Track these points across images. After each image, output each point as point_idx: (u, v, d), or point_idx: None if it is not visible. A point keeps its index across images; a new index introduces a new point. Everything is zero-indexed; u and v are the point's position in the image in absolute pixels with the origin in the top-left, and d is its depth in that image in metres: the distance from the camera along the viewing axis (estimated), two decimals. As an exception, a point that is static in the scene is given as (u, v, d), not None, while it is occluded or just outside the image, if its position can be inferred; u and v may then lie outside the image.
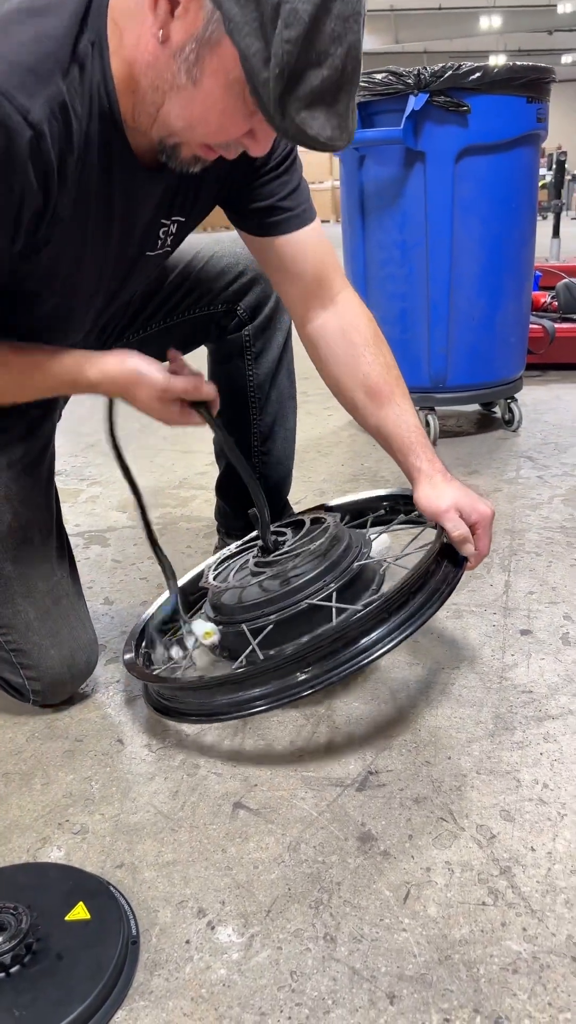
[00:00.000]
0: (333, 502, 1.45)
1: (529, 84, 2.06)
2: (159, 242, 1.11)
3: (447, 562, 1.11)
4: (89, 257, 1.01)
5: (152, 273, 1.23)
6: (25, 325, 1.05)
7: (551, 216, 6.63)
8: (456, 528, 1.10)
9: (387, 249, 2.24)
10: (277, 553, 1.21)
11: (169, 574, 1.30)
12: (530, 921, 0.82)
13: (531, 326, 2.99)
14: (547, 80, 2.11)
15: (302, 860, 0.91)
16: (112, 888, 0.87)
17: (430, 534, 1.19)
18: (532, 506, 1.88)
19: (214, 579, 1.23)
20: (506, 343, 2.33)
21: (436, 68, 2.00)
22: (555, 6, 19.59)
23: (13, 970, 0.76)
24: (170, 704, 1.12)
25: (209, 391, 1.09)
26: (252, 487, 1.21)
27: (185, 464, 2.34)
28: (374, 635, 1.00)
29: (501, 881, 0.87)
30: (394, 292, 2.27)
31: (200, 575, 1.39)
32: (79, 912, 0.83)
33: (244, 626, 1.10)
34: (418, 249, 2.19)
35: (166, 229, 1.10)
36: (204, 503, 2.03)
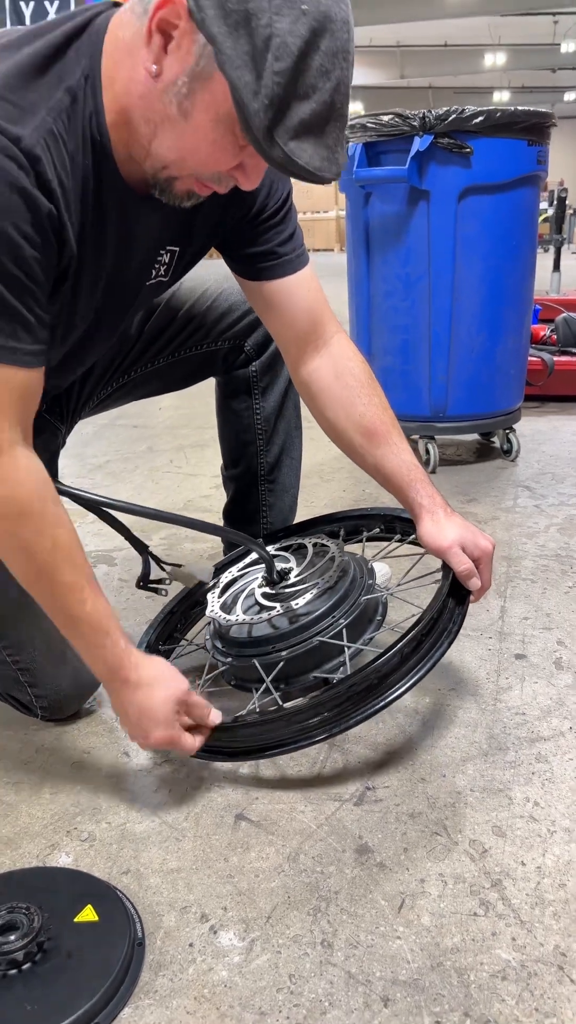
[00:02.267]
0: (332, 514, 1.49)
1: (530, 128, 2.14)
2: (153, 271, 1.12)
3: (452, 599, 1.15)
4: (89, 286, 1.02)
5: (150, 303, 1.24)
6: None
7: (552, 249, 6.74)
8: (461, 564, 1.14)
9: (391, 282, 2.31)
10: (283, 584, 1.25)
11: (140, 546, 1.30)
12: (519, 931, 0.86)
13: (530, 359, 3.06)
14: (547, 124, 2.19)
15: (301, 870, 0.95)
16: (119, 892, 0.91)
17: (428, 562, 1.24)
18: (528, 534, 1.93)
19: (220, 608, 1.27)
20: (505, 375, 2.39)
21: (440, 111, 2.08)
22: (559, 45, 19.98)
23: (25, 967, 0.80)
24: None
25: (215, 718, 1.08)
26: (258, 549, 1.26)
27: (190, 487, 2.39)
28: (392, 678, 1.05)
29: (492, 893, 0.91)
30: (397, 324, 2.34)
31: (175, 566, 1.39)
32: (88, 914, 0.86)
33: (256, 660, 1.14)
34: (421, 283, 2.26)
35: (161, 259, 1.12)
36: (208, 525, 2.07)
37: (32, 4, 10.54)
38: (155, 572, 1.38)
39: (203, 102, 0.86)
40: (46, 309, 0.93)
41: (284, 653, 1.14)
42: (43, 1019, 0.76)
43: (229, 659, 1.19)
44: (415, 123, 2.09)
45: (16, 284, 0.87)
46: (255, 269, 1.18)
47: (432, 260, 2.23)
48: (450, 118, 2.07)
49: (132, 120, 0.91)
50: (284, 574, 1.28)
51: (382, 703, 1.04)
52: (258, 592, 1.26)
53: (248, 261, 1.18)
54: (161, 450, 2.80)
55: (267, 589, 1.26)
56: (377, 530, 1.41)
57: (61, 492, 1.09)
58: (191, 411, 3.25)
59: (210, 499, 2.25)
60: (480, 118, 2.07)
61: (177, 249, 1.13)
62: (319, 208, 16.36)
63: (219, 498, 2.15)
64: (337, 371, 1.22)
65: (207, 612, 1.28)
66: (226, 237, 1.17)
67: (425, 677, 1.06)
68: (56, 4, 10.50)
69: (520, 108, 2.13)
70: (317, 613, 1.16)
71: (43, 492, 0.96)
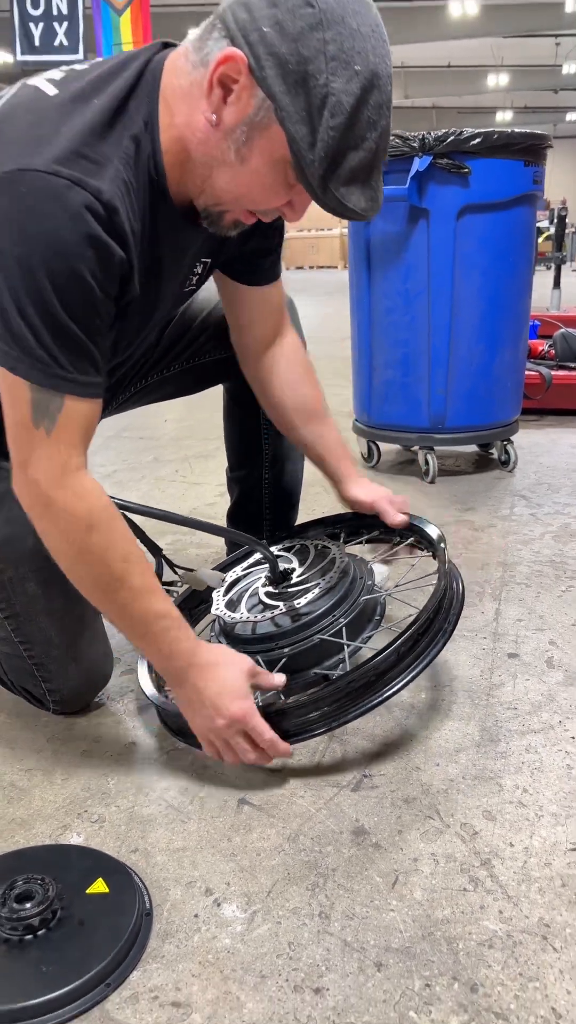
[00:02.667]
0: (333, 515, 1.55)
1: (526, 149, 2.22)
2: (190, 280, 1.23)
3: (447, 599, 1.21)
4: (144, 312, 1.13)
5: (177, 311, 1.36)
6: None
7: (553, 267, 6.84)
8: (394, 514, 1.38)
9: (391, 298, 2.38)
10: (285, 584, 1.31)
11: (153, 548, 1.37)
12: (506, 905, 0.91)
13: (529, 373, 3.13)
14: (543, 146, 2.26)
15: (300, 849, 1.00)
16: (128, 868, 0.96)
17: (424, 566, 1.30)
18: (524, 541, 1.98)
19: (225, 606, 1.32)
20: (503, 388, 2.45)
21: (439, 133, 2.16)
22: (560, 66, 20.23)
23: (40, 932, 0.85)
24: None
25: (280, 680, 1.13)
26: (262, 550, 1.33)
27: (195, 495, 2.45)
28: (389, 675, 1.11)
29: (481, 871, 0.96)
30: (397, 338, 2.41)
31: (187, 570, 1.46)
32: (99, 886, 0.92)
33: (259, 657, 1.20)
34: (420, 299, 2.33)
35: (195, 270, 1.23)
36: (213, 532, 2.13)
37: (41, 25, 10.75)
38: (167, 574, 1.45)
39: (260, 148, 0.95)
40: (106, 341, 1.02)
41: (286, 650, 1.19)
42: (57, 980, 0.81)
43: None
44: (415, 144, 2.17)
45: (87, 324, 0.96)
46: (248, 274, 1.32)
47: (431, 276, 2.30)
48: (448, 139, 2.15)
49: (190, 160, 1.01)
50: (287, 574, 1.33)
51: (379, 699, 1.10)
52: (262, 591, 1.31)
53: (244, 267, 1.31)
54: (167, 460, 2.86)
55: (270, 588, 1.31)
56: (377, 532, 1.47)
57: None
58: (195, 423, 3.32)
59: (214, 506, 2.31)
60: (478, 139, 2.15)
61: (209, 260, 1.23)
62: (323, 226, 16.56)
63: (223, 505, 2.21)
64: (287, 360, 1.40)
65: (212, 609, 1.33)
66: (234, 249, 1.26)
67: (420, 674, 1.12)
68: (65, 26, 10.70)
69: (516, 130, 2.20)
70: (318, 612, 1.21)
71: (110, 509, 1.04)
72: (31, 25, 10.71)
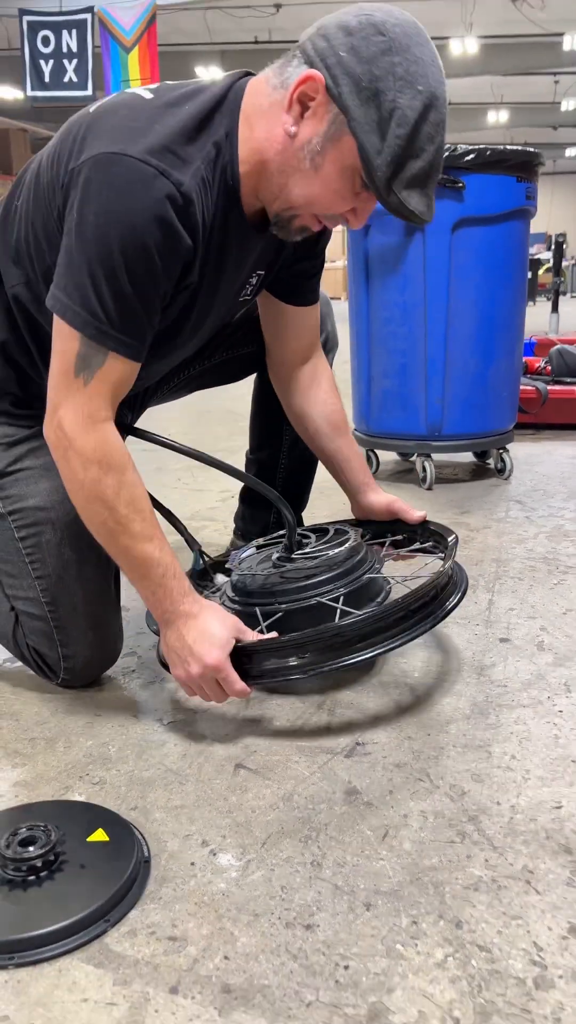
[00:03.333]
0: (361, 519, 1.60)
1: (518, 166, 2.30)
2: (246, 290, 1.34)
3: (445, 587, 1.27)
4: (202, 308, 1.23)
5: (233, 317, 1.47)
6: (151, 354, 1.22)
7: (551, 293, 6.96)
8: (411, 510, 1.49)
9: (389, 309, 2.45)
10: (299, 552, 1.36)
11: (191, 541, 1.46)
12: (492, 855, 0.94)
13: (526, 388, 3.20)
14: (535, 163, 2.35)
15: (295, 807, 1.04)
16: (128, 821, 0.99)
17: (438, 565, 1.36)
18: (518, 540, 2.03)
19: (239, 564, 1.38)
20: (498, 396, 2.51)
21: (435, 150, 2.24)
22: (559, 103, 20.61)
23: (43, 874, 0.88)
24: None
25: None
26: (283, 507, 1.38)
27: (197, 500, 2.50)
28: (377, 638, 1.15)
29: (469, 826, 0.99)
30: (395, 348, 2.47)
31: (219, 562, 1.55)
32: (99, 835, 0.95)
33: (257, 609, 1.24)
34: (417, 310, 2.40)
35: (253, 280, 1.33)
36: (215, 532, 2.18)
37: (52, 62, 11.04)
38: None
39: (332, 158, 1.08)
40: (157, 318, 1.13)
41: (283, 606, 1.24)
42: (58, 915, 0.84)
43: (236, 606, 1.30)
44: (411, 160, 2.25)
45: (144, 295, 1.08)
46: (292, 294, 1.44)
47: (428, 288, 2.37)
48: (443, 155, 2.22)
49: (267, 170, 1.13)
50: (302, 543, 1.39)
51: (353, 659, 1.12)
52: (275, 555, 1.37)
53: (290, 287, 1.42)
54: (170, 470, 2.92)
55: (283, 554, 1.37)
56: (402, 536, 1.52)
57: (138, 434, 1.36)
58: (198, 436, 3.38)
59: (216, 510, 2.36)
60: (471, 156, 2.23)
61: (264, 272, 1.34)
62: (330, 258, 16.86)
63: (224, 510, 2.28)
64: (316, 377, 1.54)
65: (227, 565, 1.40)
66: (284, 267, 1.38)
67: (401, 647, 1.15)
68: (75, 63, 10.98)
69: (509, 147, 2.29)
70: (320, 578, 1.26)
71: (127, 457, 1.14)
72: (41, 62, 11.00)
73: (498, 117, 22.28)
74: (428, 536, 1.47)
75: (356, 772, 1.10)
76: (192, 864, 0.94)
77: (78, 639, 1.29)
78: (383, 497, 1.52)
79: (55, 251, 1.12)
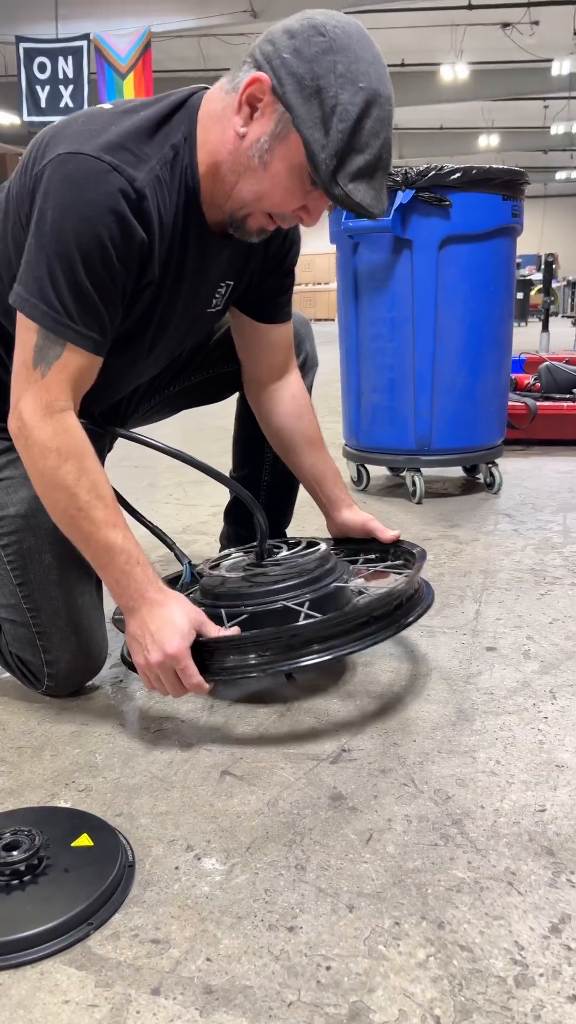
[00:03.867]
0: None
1: (504, 184, 2.34)
2: (214, 301, 1.35)
3: (408, 598, 1.28)
4: (165, 312, 1.24)
5: (205, 330, 1.49)
6: (116, 359, 1.23)
7: (542, 311, 7.02)
8: (386, 530, 1.49)
9: (377, 325, 2.48)
10: (269, 560, 1.37)
11: (180, 554, 1.46)
12: (474, 857, 0.95)
13: (515, 404, 3.23)
14: (520, 182, 2.39)
15: (279, 812, 1.04)
16: (112, 827, 1.00)
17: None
18: (506, 552, 2.04)
19: (210, 569, 1.39)
20: (486, 411, 2.54)
21: (422, 168, 2.28)
22: (549, 127, 20.90)
23: (27, 878, 0.89)
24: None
25: (234, 630, 1.19)
26: (256, 511, 1.38)
27: (188, 514, 2.51)
28: (337, 641, 1.16)
29: (452, 829, 1.00)
30: (383, 363, 2.50)
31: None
32: (84, 840, 0.95)
33: (223, 611, 1.25)
34: (405, 326, 2.43)
35: (221, 290, 1.35)
36: (205, 545, 2.19)
37: (48, 88, 11.17)
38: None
39: (280, 155, 1.11)
40: (117, 313, 1.15)
41: (249, 609, 1.25)
42: (42, 918, 0.84)
43: (203, 607, 1.29)
44: (398, 179, 2.29)
45: (101, 287, 1.10)
46: (264, 312, 1.45)
47: (415, 304, 2.40)
48: (430, 174, 2.27)
49: (220, 171, 1.16)
50: (272, 552, 1.40)
51: (310, 660, 1.13)
52: (245, 562, 1.38)
53: (261, 304, 1.45)
54: (161, 486, 2.93)
55: (254, 560, 1.38)
56: (374, 556, 1.53)
57: (124, 436, 1.41)
58: (191, 452, 3.39)
59: (207, 524, 2.37)
60: (457, 174, 2.27)
61: (232, 283, 1.36)
62: (320, 280, 16.98)
63: (215, 524, 2.28)
64: (291, 393, 1.53)
65: (197, 567, 1.41)
66: (260, 279, 1.41)
67: (358, 652, 1.19)
68: (71, 89, 11.12)
69: (495, 166, 2.33)
70: (287, 584, 1.27)
71: (87, 445, 1.14)
72: (38, 88, 11.14)
73: (489, 141, 22.57)
74: (400, 555, 1.49)
75: (341, 778, 1.11)
76: (176, 868, 0.95)
77: (61, 645, 1.29)
78: (359, 516, 1.52)
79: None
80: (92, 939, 0.84)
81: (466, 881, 0.91)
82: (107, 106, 1.18)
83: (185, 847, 0.98)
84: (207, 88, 1.20)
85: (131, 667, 1.26)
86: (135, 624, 1.16)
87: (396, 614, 1.23)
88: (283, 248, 1.41)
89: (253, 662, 1.14)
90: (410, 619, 1.23)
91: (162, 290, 1.20)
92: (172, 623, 1.13)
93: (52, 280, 1.08)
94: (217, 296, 1.35)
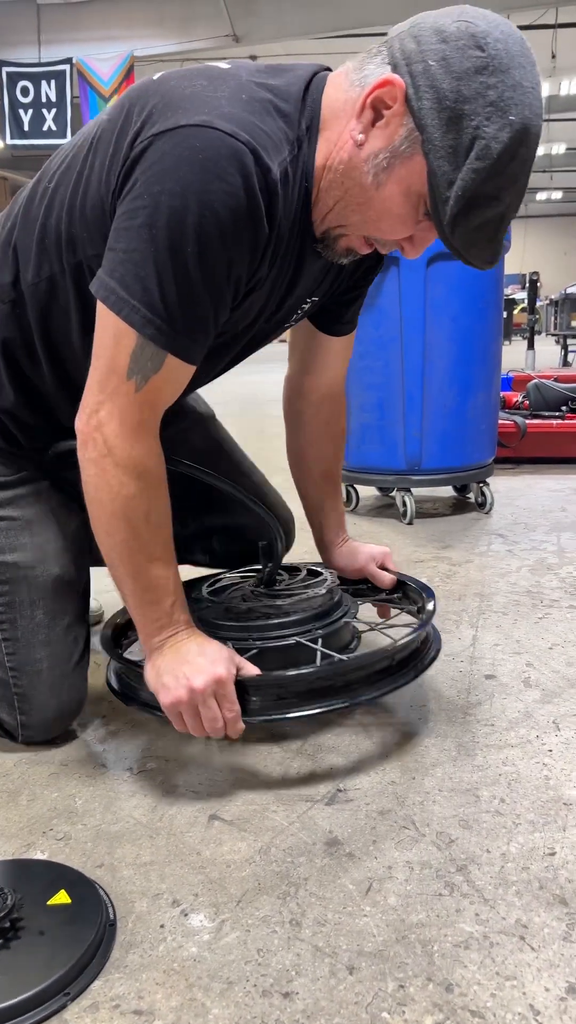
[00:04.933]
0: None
1: (491, 201, 2.30)
2: (295, 316, 1.22)
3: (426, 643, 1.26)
4: (257, 308, 1.10)
5: (265, 344, 1.35)
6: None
7: (527, 330, 7.04)
8: (383, 577, 1.44)
9: (365, 344, 2.43)
10: (274, 588, 1.31)
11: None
12: (482, 908, 0.88)
13: (504, 422, 3.19)
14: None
15: (272, 860, 0.97)
16: (92, 880, 0.92)
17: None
18: (501, 574, 1.98)
19: (208, 594, 1.32)
20: (476, 430, 2.49)
21: (407, 185, 2.24)
22: (529, 150, 21.16)
23: (-2, 943, 0.81)
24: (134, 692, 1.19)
25: (254, 669, 1.10)
26: (270, 520, 1.32)
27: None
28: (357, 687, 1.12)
29: (457, 876, 0.93)
30: (371, 383, 2.45)
31: (192, 583, 1.46)
32: (61, 897, 0.88)
33: (230, 644, 1.18)
34: (393, 344, 2.39)
35: (305, 306, 1.21)
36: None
37: (31, 112, 11.19)
38: None
39: (397, 177, 0.95)
40: (225, 317, 1.02)
41: (258, 643, 1.18)
42: (14, 989, 0.77)
43: None
44: (384, 196, 2.25)
45: (216, 292, 0.96)
46: (332, 323, 1.34)
47: (404, 322, 2.36)
48: (416, 191, 2.23)
49: (328, 178, 1.01)
50: (276, 579, 1.34)
51: (341, 704, 1.10)
52: (248, 589, 1.32)
53: (332, 316, 1.32)
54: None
55: (258, 589, 1.32)
56: (373, 597, 1.47)
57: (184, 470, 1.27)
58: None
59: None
60: (444, 191, 2.23)
61: (316, 299, 1.22)
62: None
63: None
64: (327, 419, 1.45)
65: (202, 592, 1.35)
66: (330, 299, 1.28)
67: (382, 697, 1.14)
68: (54, 112, 11.15)
69: (481, 183, 2.30)
70: (299, 617, 1.22)
71: (163, 476, 1.04)
72: (21, 112, 11.16)
73: (470, 163, 22.78)
74: (397, 589, 1.45)
75: (337, 821, 1.04)
76: (161, 927, 0.87)
77: (40, 705, 1.21)
78: (357, 562, 1.45)
79: (96, 244, 1.01)
80: (69, 1011, 0.77)
81: (474, 936, 0.84)
82: (224, 65, 0.99)
83: (171, 902, 0.91)
84: (329, 70, 1.03)
85: (123, 699, 1.20)
86: (168, 657, 1.05)
87: (412, 659, 1.21)
88: (374, 268, 1.30)
89: (290, 702, 1.08)
90: (423, 665, 1.22)
91: (262, 290, 1.06)
92: (211, 651, 1.05)
93: (160, 280, 0.92)
94: (300, 311, 1.21)
